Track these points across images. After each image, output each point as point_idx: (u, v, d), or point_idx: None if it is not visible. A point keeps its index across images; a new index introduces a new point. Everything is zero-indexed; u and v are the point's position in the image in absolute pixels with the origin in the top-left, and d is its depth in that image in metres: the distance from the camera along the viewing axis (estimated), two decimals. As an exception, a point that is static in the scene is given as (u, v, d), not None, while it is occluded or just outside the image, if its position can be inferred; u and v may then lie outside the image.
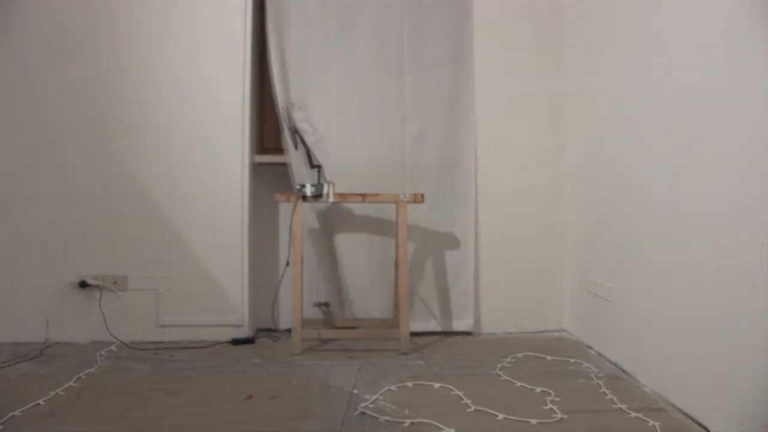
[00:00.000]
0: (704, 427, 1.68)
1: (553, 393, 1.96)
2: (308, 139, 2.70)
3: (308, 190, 2.50)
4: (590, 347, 2.54)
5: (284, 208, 2.82)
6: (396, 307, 2.65)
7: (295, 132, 2.65)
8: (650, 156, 2.03)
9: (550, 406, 1.85)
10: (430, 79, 2.78)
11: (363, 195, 2.57)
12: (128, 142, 2.65)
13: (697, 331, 1.74)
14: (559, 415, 1.77)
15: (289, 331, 2.62)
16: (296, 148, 2.67)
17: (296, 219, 2.49)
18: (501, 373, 2.19)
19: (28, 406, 1.83)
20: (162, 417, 1.77)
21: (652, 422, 1.71)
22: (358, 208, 2.78)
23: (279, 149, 2.88)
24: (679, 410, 1.80)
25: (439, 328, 2.79)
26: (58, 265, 2.61)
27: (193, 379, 2.14)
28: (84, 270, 2.63)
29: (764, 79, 1.46)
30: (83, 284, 2.61)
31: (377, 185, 2.70)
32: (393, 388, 2.03)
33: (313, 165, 2.64)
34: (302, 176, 2.70)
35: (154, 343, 2.61)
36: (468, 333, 2.80)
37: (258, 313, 2.80)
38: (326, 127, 2.76)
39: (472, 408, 1.84)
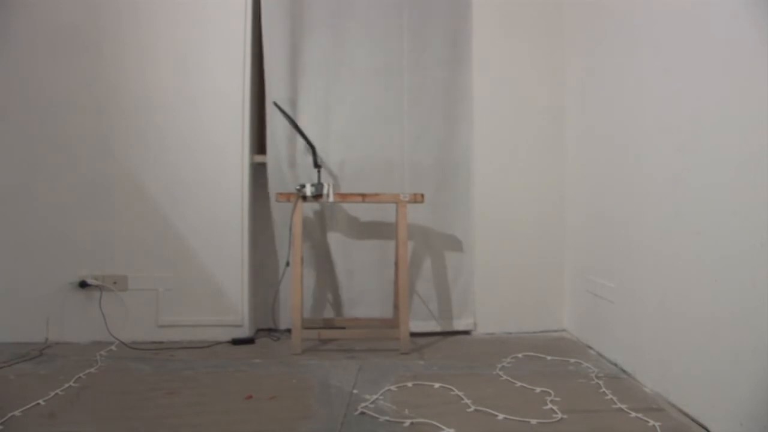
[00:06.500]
0: (704, 427, 1.68)
1: (553, 393, 1.96)
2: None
3: (308, 190, 2.50)
4: (590, 347, 2.54)
5: (284, 208, 2.82)
6: (396, 307, 2.65)
7: (296, 127, 2.65)
8: (650, 156, 2.03)
9: (550, 406, 1.85)
10: (430, 79, 2.78)
11: (363, 195, 2.57)
12: (128, 141, 2.65)
13: (697, 331, 1.74)
14: (559, 415, 1.77)
15: (289, 331, 2.62)
16: (309, 144, 2.67)
17: (296, 219, 2.49)
18: (501, 373, 2.19)
19: (28, 406, 1.82)
20: (162, 417, 1.77)
21: (652, 422, 1.71)
22: (358, 208, 2.77)
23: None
24: (679, 410, 1.80)
25: (439, 328, 2.79)
26: (58, 265, 2.61)
27: (193, 379, 2.14)
28: (84, 270, 2.63)
29: (764, 79, 1.46)
30: (83, 284, 2.61)
31: (377, 185, 2.71)
32: (393, 388, 2.03)
33: (317, 164, 2.64)
34: (277, 178, 2.73)
35: (154, 343, 2.61)
36: (468, 333, 2.80)
37: (258, 313, 2.80)
38: (325, 128, 2.76)
39: (472, 408, 1.84)
